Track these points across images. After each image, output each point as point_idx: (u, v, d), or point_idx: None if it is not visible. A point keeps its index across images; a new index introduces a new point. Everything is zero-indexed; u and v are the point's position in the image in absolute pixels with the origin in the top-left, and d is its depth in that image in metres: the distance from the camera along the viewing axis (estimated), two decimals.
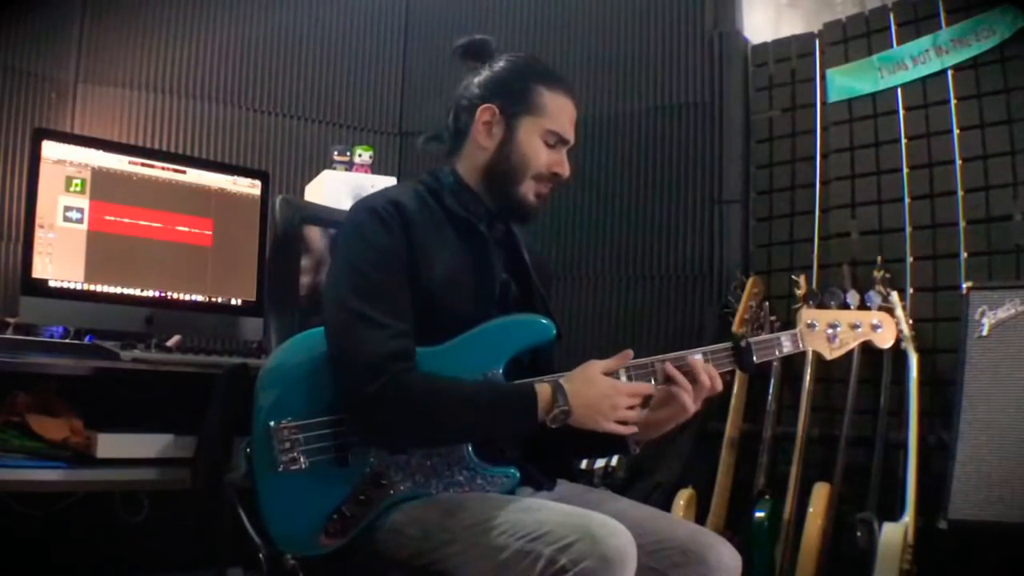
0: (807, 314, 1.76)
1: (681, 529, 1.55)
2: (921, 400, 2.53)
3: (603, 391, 1.51)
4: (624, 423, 1.51)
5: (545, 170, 1.64)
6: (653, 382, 1.57)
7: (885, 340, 1.80)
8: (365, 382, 1.41)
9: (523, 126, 1.63)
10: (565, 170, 1.66)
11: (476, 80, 1.67)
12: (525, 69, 1.67)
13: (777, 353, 1.71)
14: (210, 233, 2.56)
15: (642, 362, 1.58)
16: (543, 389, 1.49)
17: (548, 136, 1.63)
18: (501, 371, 1.55)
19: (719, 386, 1.59)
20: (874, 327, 1.78)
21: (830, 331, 1.75)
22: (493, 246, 1.67)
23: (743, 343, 1.64)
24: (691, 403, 1.56)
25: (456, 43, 1.72)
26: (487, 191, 1.66)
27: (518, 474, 1.55)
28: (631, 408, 1.52)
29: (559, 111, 1.64)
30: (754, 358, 1.64)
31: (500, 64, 1.68)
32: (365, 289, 1.48)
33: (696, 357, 1.59)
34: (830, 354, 1.76)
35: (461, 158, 1.68)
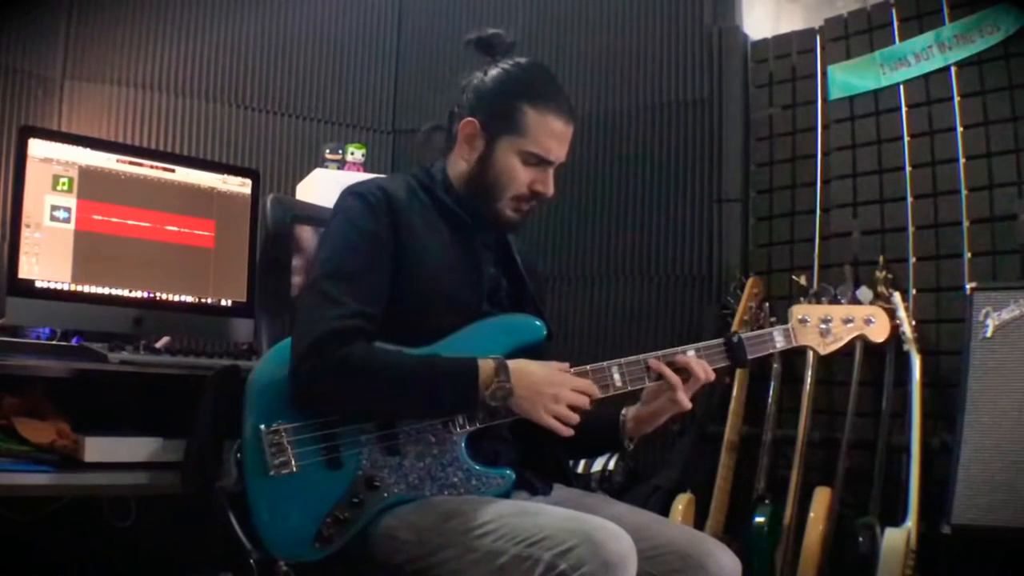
0: (798, 309, 1.77)
1: (680, 534, 1.54)
2: (924, 402, 2.51)
3: (549, 378, 1.50)
4: (562, 421, 1.49)
5: (525, 190, 1.63)
6: (647, 380, 1.58)
7: (878, 334, 1.80)
8: (303, 359, 1.44)
9: (502, 145, 1.62)
10: (548, 189, 1.65)
11: (472, 84, 1.68)
12: (512, 85, 1.64)
13: (770, 348, 1.71)
14: (212, 235, 2.53)
15: (634, 359, 1.58)
16: (486, 363, 1.48)
17: (528, 157, 1.62)
18: None
19: (712, 375, 1.60)
20: (867, 321, 1.79)
21: (823, 326, 1.76)
22: (481, 245, 1.68)
23: (735, 338, 1.65)
24: (684, 399, 1.57)
25: (467, 36, 1.73)
26: (468, 199, 1.67)
27: (513, 475, 1.54)
28: (574, 409, 1.50)
29: (542, 131, 1.61)
30: (747, 353, 1.65)
31: (493, 74, 1.67)
32: (334, 270, 1.51)
33: (689, 354, 1.60)
34: (824, 349, 1.77)
35: (450, 160, 1.70)
